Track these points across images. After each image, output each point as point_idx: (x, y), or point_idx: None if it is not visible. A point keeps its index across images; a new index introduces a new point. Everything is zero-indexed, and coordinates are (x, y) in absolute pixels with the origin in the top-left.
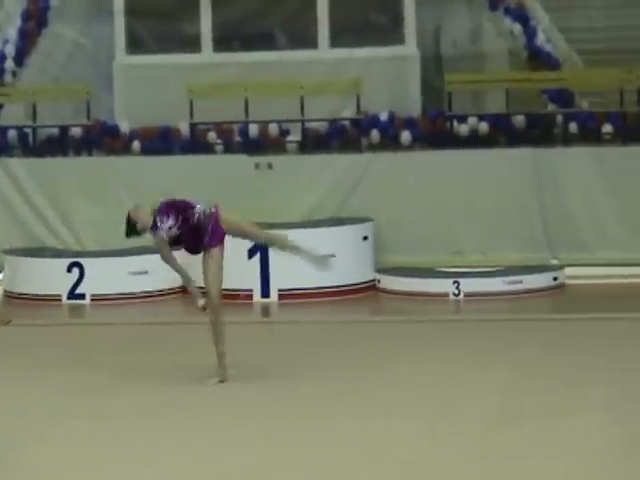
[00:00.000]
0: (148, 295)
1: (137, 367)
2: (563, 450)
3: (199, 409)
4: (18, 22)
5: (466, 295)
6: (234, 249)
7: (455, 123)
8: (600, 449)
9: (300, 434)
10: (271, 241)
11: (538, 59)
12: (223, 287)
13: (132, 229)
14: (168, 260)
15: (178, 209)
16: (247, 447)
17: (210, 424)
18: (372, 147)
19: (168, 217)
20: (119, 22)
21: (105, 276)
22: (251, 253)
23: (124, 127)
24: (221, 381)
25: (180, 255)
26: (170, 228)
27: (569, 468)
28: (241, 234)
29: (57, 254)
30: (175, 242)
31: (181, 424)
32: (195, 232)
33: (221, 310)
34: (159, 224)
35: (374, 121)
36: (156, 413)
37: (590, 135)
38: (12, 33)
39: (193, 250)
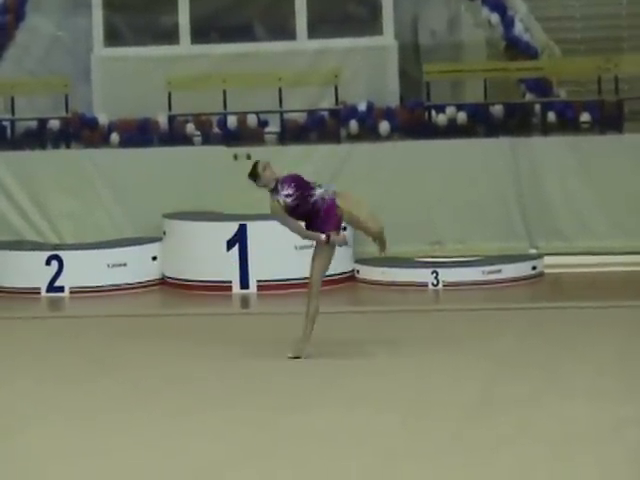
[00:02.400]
0: (127, 287)
1: (117, 359)
2: (542, 438)
3: (177, 400)
4: None
5: (445, 285)
6: (212, 240)
7: (433, 113)
8: (579, 436)
9: (278, 426)
10: (380, 240)
11: (516, 48)
12: (203, 278)
13: (254, 177)
14: (285, 221)
15: (299, 184)
16: (224, 439)
17: (186, 415)
18: (351, 137)
19: (289, 186)
20: (97, 14)
21: (84, 269)
22: (230, 244)
23: (102, 119)
24: (296, 357)
25: None
26: (287, 196)
27: (549, 455)
28: (355, 224)
29: (36, 247)
30: (289, 212)
31: (157, 415)
32: (310, 213)
33: (317, 296)
34: (279, 189)
35: (353, 112)
36: (133, 404)
37: (568, 124)
38: None
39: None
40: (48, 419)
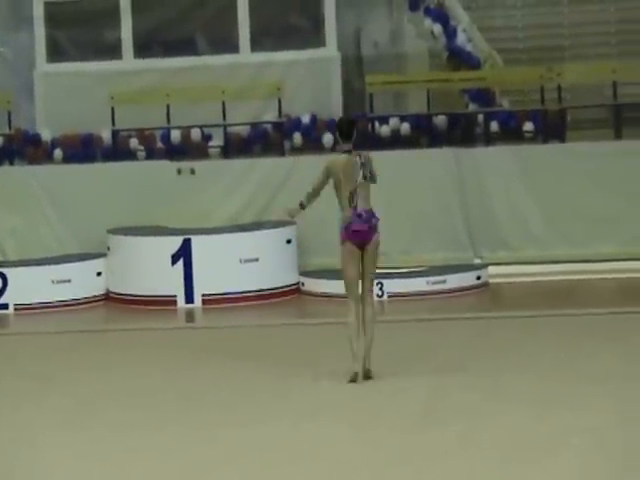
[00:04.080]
0: (72, 303)
1: (61, 375)
2: (490, 447)
3: (121, 416)
4: None
5: (390, 296)
6: (157, 255)
7: (377, 124)
8: (527, 445)
9: (225, 440)
10: None
11: (459, 59)
12: (148, 293)
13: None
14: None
15: None
16: (170, 454)
17: (132, 432)
18: (295, 150)
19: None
20: (39, 30)
21: (28, 285)
22: (174, 259)
23: (45, 135)
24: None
25: None
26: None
27: (496, 465)
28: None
29: None
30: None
31: (102, 432)
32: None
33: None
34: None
35: (296, 124)
36: (78, 421)
37: (511, 134)
38: None
39: None
40: None
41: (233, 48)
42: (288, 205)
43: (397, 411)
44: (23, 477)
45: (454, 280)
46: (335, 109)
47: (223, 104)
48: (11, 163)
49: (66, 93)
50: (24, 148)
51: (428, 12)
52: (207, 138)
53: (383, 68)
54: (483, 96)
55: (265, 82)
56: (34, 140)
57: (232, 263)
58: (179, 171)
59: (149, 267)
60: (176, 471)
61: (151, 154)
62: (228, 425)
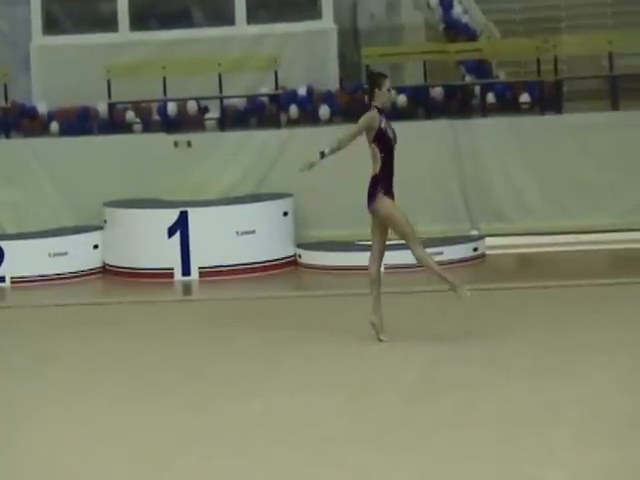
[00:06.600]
0: (69, 276)
1: (58, 348)
2: (486, 419)
3: (117, 388)
4: None
5: (387, 268)
6: (153, 228)
7: None
8: (523, 417)
9: (219, 412)
10: None
11: (455, 30)
12: (145, 266)
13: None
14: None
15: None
16: (164, 426)
17: (128, 402)
18: (291, 122)
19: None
20: (35, 3)
21: (25, 258)
22: (171, 232)
23: (42, 108)
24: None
25: None
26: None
27: (494, 437)
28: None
29: None
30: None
31: (97, 403)
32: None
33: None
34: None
35: (292, 96)
36: (74, 393)
37: (508, 105)
38: None
39: None
40: None
41: (229, 20)
42: (285, 177)
43: (394, 382)
44: (22, 449)
45: (451, 252)
46: (331, 81)
47: (219, 76)
48: (7, 136)
49: (62, 66)
50: (20, 121)
51: None
52: (203, 110)
53: (379, 40)
54: (479, 68)
55: (261, 54)
56: (30, 113)
57: (229, 235)
58: (176, 144)
59: (146, 240)
60: (167, 441)
61: (147, 127)
62: (225, 396)
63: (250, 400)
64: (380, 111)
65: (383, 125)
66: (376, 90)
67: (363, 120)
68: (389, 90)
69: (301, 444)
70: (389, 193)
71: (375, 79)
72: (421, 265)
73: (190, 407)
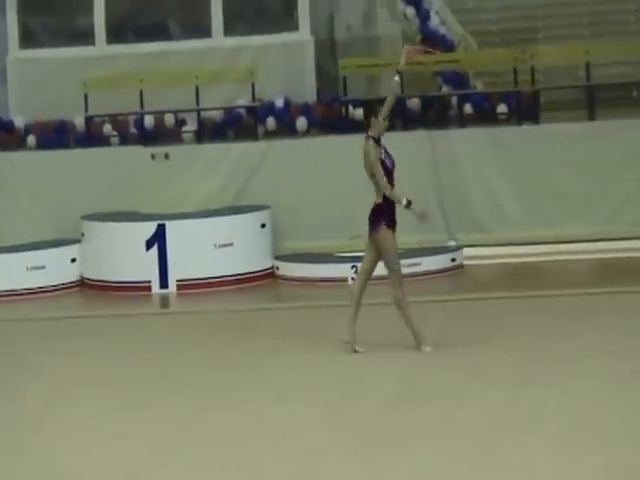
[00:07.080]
0: (46, 290)
1: (36, 361)
2: (465, 428)
3: (98, 401)
4: None
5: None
6: (131, 241)
7: (350, 108)
8: (502, 426)
9: (200, 423)
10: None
11: (432, 42)
12: (122, 279)
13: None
14: (377, 168)
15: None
16: (147, 438)
17: (108, 416)
18: (268, 134)
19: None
20: (11, 17)
21: (2, 272)
22: (149, 244)
23: (19, 122)
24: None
25: None
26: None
27: (473, 446)
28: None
29: None
30: None
31: (78, 417)
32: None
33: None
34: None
35: (270, 108)
36: (53, 407)
37: (485, 116)
38: None
39: None
40: None
41: (206, 32)
42: (263, 189)
43: (375, 391)
44: (3, 464)
45: (429, 263)
46: (309, 93)
47: (196, 89)
48: None
49: (39, 79)
50: None
51: None
52: (181, 123)
53: (356, 51)
54: (457, 78)
55: (238, 66)
56: (7, 126)
57: (206, 248)
58: (153, 156)
59: (123, 253)
60: (150, 453)
61: (125, 139)
62: (206, 408)
63: (232, 411)
64: (377, 140)
65: (383, 156)
66: (372, 119)
67: (372, 154)
68: (384, 119)
69: (284, 455)
70: (392, 224)
71: (372, 107)
72: (396, 306)
73: (171, 419)
